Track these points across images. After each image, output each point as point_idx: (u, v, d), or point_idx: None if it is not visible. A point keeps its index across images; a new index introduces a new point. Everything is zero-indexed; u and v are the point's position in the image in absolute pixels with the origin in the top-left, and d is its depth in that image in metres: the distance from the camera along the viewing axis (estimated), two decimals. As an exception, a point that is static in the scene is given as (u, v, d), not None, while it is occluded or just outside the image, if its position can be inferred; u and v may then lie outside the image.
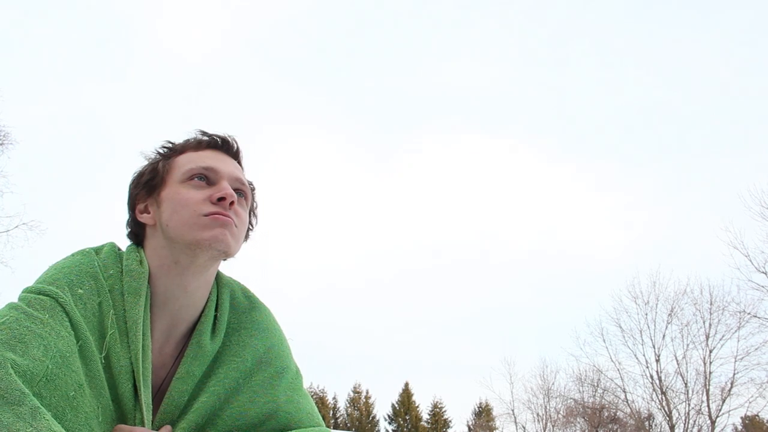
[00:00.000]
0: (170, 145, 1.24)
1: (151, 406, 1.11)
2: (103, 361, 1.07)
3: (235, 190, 1.20)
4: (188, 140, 1.23)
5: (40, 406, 0.90)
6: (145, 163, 1.24)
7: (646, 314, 26.10)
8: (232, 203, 1.16)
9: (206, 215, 1.13)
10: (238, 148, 1.25)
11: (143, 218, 1.19)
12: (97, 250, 1.18)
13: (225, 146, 1.23)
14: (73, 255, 1.15)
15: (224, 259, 1.20)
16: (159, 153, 1.23)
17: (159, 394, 1.16)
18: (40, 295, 1.04)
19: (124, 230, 1.23)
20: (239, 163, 1.26)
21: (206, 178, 1.17)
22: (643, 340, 25.94)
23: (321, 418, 1.25)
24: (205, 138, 1.23)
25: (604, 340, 27.04)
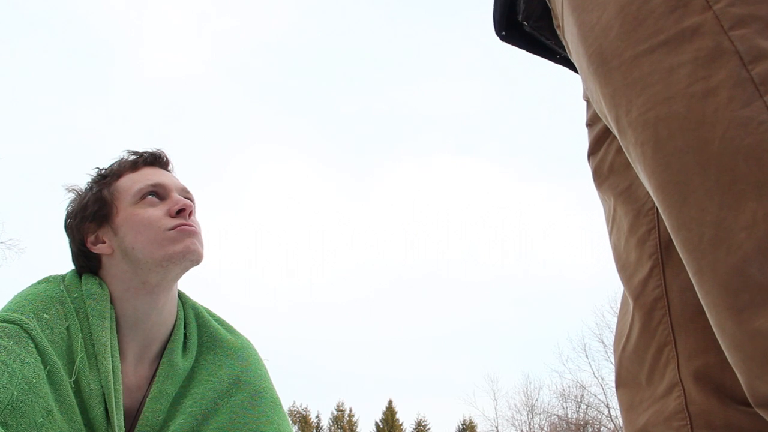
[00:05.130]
0: (104, 171, 1.22)
1: (124, 429, 1.09)
2: (73, 386, 1.05)
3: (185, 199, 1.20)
4: (122, 162, 1.22)
5: None
6: (74, 196, 1.21)
7: (628, 329, 26.20)
8: (191, 213, 1.17)
9: (171, 229, 1.13)
10: (168, 159, 1.26)
11: (99, 249, 1.16)
12: (63, 277, 1.18)
13: (160, 161, 1.24)
14: (38, 282, 1.15)
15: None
16: (96, 182, 1.21)
17: (137, 415, 1.15)
18: (4, 323, 1.03)
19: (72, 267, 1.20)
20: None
21: (156, 194, 1.18)
22: (625, 355, 26.00)
23: None
24: (140, 157, 1.22)
25: (587, 356, 27.23)
